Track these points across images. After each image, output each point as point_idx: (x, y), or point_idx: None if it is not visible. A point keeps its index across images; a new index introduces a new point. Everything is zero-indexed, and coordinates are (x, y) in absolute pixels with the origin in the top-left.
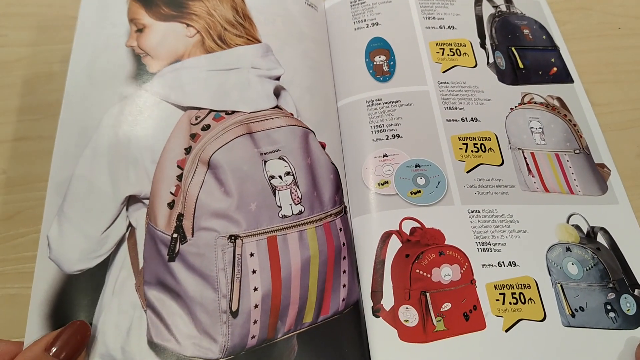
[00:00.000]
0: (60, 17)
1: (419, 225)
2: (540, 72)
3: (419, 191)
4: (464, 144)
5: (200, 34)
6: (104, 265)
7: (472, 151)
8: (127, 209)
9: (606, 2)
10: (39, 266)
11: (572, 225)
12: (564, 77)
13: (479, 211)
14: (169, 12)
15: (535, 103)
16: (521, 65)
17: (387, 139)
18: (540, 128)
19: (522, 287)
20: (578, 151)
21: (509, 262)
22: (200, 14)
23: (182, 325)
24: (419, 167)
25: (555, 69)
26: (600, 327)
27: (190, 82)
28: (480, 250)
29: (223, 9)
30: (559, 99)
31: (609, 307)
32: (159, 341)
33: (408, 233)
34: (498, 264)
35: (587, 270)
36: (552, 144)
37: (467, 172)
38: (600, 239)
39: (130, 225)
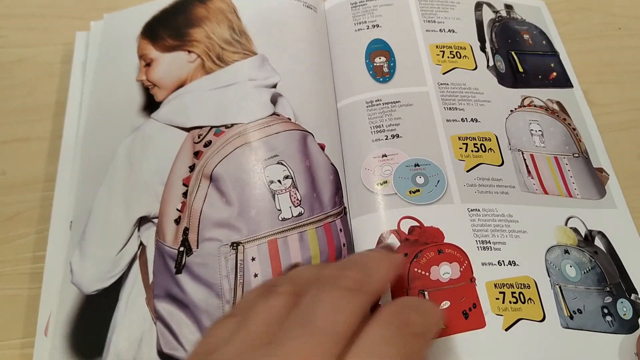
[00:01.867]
0: (60, 18)
1: (417, 224)
2: (539, 77)
3: (418, 190)
4: (464, 143)
5: (201, 57)
6: (118, 284)
7: (472, 151)
8: (138, 230)
9: (606, 2)
10: (63, 290)
11: (571, 228)
12: (564, 82)
13: (479, 210)
14: (173, 43)
15: (535, 106)
16: (521, 69)
17: (386, 139)
18: (539, 131)
19: (522, 286)
20: (577, 155)
21: (509, 261)
22: (201, 39)
23: (189, 334)
24: (418, 166)
25: (554, 73)
26: (598, 330)
27: (193, 104)
28: (480, 248)
29: (220, 30)
30: (558, 103)
31: (605, 310)
32: (168, 350)
33: (406, 232)
34: (498, 262)
35: (584, 273)
36: (551, 147)
37: (467, 171)
38: (598, 242)
39: (141, 244)
